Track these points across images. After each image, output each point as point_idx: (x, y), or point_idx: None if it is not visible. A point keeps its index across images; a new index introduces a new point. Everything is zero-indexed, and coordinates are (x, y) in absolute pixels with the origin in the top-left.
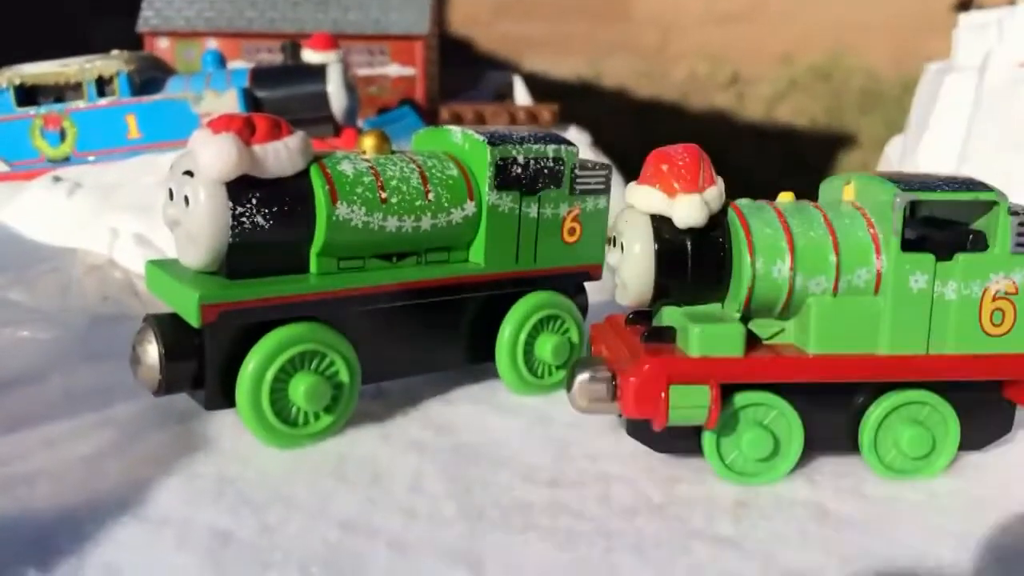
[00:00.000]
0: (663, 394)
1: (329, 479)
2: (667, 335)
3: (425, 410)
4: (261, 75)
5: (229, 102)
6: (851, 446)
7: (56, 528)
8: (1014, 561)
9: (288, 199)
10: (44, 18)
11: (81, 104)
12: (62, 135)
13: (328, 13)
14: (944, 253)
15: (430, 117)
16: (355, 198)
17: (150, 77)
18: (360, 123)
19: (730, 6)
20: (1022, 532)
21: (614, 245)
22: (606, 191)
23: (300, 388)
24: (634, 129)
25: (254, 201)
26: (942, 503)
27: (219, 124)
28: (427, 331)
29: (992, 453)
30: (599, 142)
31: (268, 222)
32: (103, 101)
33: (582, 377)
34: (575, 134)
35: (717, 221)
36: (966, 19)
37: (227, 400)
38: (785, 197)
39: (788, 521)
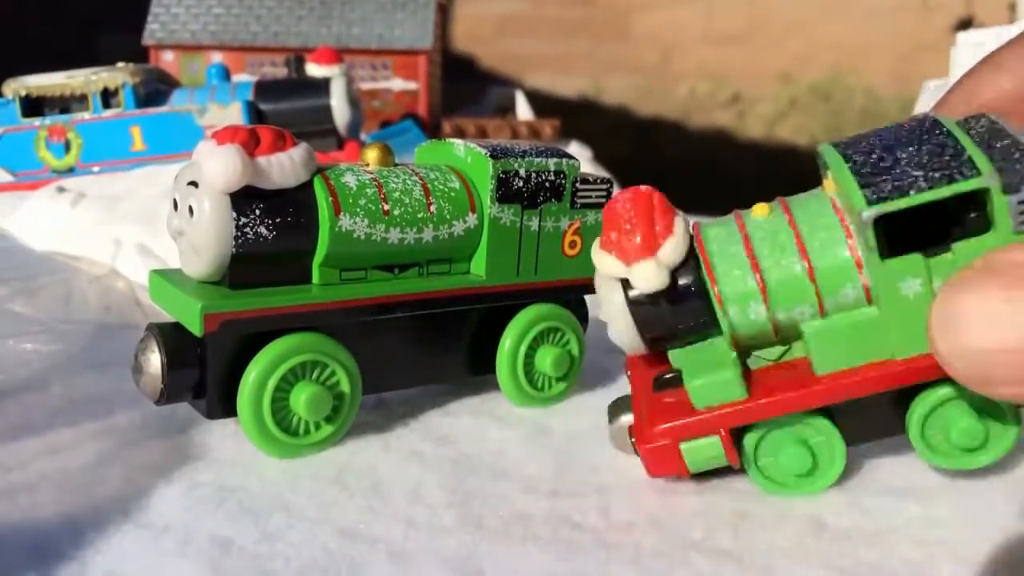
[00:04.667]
0: (676, 453)
1: (330, 488)
2: (675, 381)
3: (425, 421)
4: (265, 88)
5: (233, 115)
6: (897, 431)
7: (58, 534)
8: None
9: (291, 210)
10: (50, 30)
11: (86, 116)
12: (67, 146)
13: (332, 27)
14: (933, 252)
15: (433, 131)
16: (358, 210)
17: (155, 90)
18: (363, 136)
19: (730, 26)
20: (1021, 547)
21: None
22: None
23: (301, 398)
24: (635, 145)
25: (258, 212)
26: (941, 517)
27: (224, 135)
28: (428, 342)
29: (992, 468)
30: (600, 157)
31: (271, 233)
32: (108, 113)
33: (614, 426)
34: (576, 149)
35: (687, 264)
36: (965, 38)
37: (228, 409)
38: (759, 212)
39: (787, 534)
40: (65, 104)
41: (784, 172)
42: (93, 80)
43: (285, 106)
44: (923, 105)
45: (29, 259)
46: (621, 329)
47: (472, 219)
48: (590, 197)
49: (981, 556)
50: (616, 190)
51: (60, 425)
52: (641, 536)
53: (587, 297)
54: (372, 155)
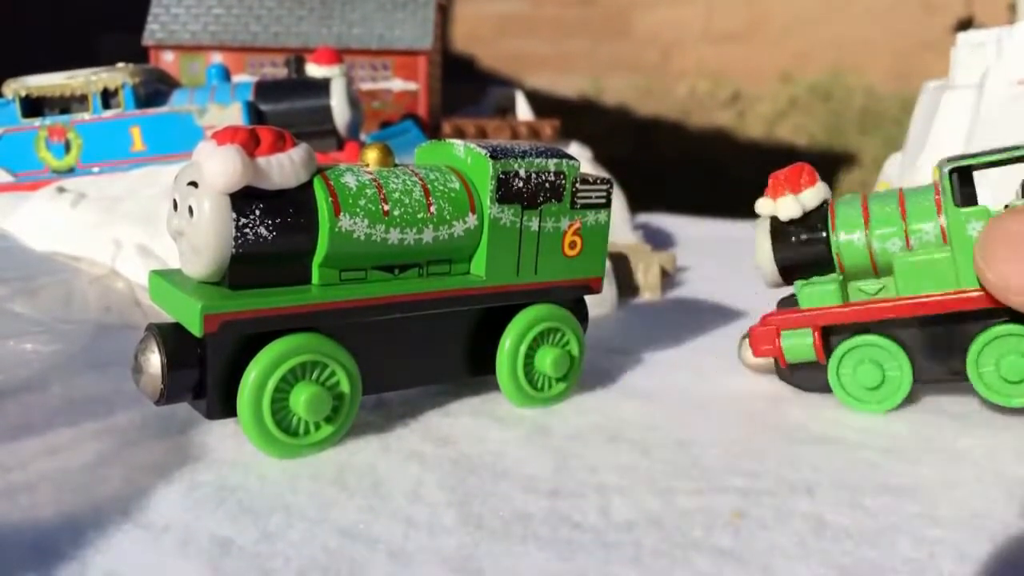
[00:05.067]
0: (776, 339)
1: (330, 488)
2: (794, 300)
3: (425, 421)
4: (265, 89)
5: (233, 115)
6: (955, 374)
7: (58, 534)
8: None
9: (291, 210)
10: (50, 30)
11: (86, 116)
12: (67, 147)
13: (332, 28)
14: (995, 207)
15: (432, 131)
16: (358, 210)
17: (155, 90)
18: (363, 137)
19: (730, 24)
20: (1021, 547)
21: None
22: (607, 205)
23: (301, 398)
24: (635, 145)
25: (257, 212)
26: (941, 515)
27: (224, 136)
28: (428, 343)
29: (993, 467)
30: (600, 157)
31: (271, 233)
32: (108, 113)
33: (741, 346)
34: (576, 149)
35: (819, 215)
36: (965, 38)
37: (228, 410)
38: (882, 187)
39: (787, 533)
40: (65, 104)
41: None
42: (93, 80)
43: (285, 106)
44: (924, 105)
45: (29, 259)
46: (763, 261)
47: (472, 219)
48: (590, 197)
49: (981, 555)
50: (616, 190)
51: (60, 425)
52: (641, 535)
53: (586, 298)
54: (372, 155)
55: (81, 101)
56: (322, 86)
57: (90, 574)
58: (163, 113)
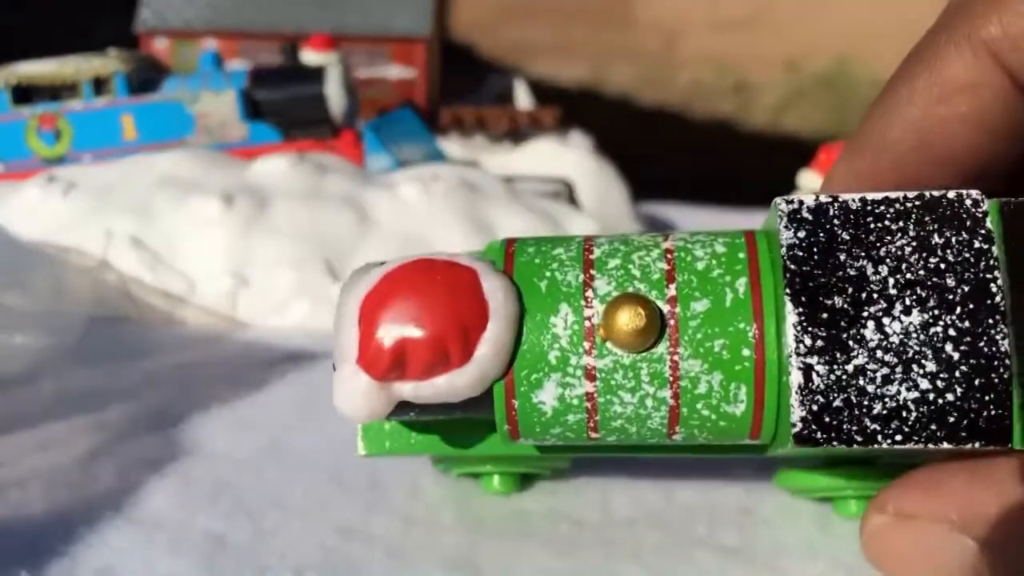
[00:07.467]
0: None
1: (327, 485)
2: None
3: None
4: (259, 76)
5: (226, 103)
6: None
7: (49, 530)
8: None
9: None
10: (40, 17)
11: (77, 104)
12: (57, 135)
13: (328, 13)
14: None
15: (430, 119)
16: (548, 436)
17: (147, 77)
18: (360, 124)
19: (734, 12)
20: None
21: None
22: None
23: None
24: (637, 135)
25: (412, 413)
26: None
27: (363, 356)
28: None
29: None
30: (601, 147)
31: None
32: (99, 101)
33: None
34: (578, 138)
35: None
36: None
37: None
38: None
39: (793, 530)
40: (56, 92)
41: (788, 163)
42: (84, 68)
43: (279, 95)
44: None
45: (19, 251)
46: None
47: (747, 440)
48: None
49: None
50: (619, 184)
51: (51, 420)
52: (642, 533)
53: None
54: (622, 323)
55: (72, 89)
56: (317, 74)
57: (81, 571)
58: (155, 101)
